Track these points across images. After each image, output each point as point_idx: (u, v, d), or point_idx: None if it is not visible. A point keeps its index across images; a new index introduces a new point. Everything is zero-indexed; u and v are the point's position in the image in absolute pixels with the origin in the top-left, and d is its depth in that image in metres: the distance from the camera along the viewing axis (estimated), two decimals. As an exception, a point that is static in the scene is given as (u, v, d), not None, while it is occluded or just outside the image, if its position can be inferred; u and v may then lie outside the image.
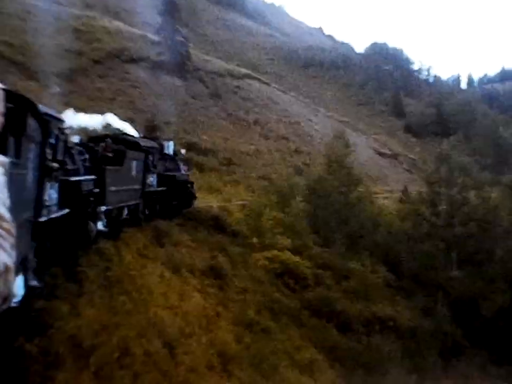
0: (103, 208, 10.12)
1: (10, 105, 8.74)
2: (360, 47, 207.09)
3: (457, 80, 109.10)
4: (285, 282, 17.97)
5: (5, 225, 1.18)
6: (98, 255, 10.48)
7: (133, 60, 44.96)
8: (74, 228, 9.29)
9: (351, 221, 25.12)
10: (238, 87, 53.68)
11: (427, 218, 26.97)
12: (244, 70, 56.46)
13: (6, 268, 1.12)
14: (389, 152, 56.53)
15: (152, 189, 14.21)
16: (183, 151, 18.97)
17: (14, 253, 1.18)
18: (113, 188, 10.76)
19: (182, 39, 50.41)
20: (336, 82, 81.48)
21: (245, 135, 45.92)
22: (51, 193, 10.07)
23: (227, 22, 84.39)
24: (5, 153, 8.53)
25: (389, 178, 47.31)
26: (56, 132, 10.00)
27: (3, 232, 1.15)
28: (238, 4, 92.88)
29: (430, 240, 25.97)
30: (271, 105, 52.25)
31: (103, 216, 10.24)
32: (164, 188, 15.14)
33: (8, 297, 1.16)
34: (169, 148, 16.52)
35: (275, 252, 18.93)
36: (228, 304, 13.44)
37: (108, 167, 10.51)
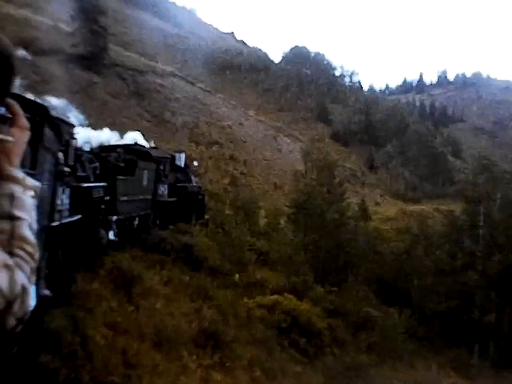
0: (114, 217, 11.20)
1: (27, 115, 9.85)
2: (276, 52, 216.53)
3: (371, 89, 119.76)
4: (294, 341, 14.87)
5: (29, 248, 1.21)
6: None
7: (43, 52, 43.81)
8: (85, 235, 10.25)
9: (351, 246, 23.25)
10: (162, 85, 54.42)
11: (465, 246, 24.06)
12: (168, 68, 57.32)
13: (24, 290, 1.15)
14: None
15: (162, 199, 15.19)
16: (195, 163, 20.01)
17: (33, 278, 1.23)
18: (124, 198, 11.82)
19: (99, 29, 49.90)
20: (256, 87, 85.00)
21: (173, 140, 46.60)
22: (63, 198, 11.06)
23: (140, 22, 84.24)
24: (22, 165, 9.59)
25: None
26: (67, 137, 11.07)
27: (25, 256, 1.19)
28: (150, 6, 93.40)
29: (466, 273, 22.77)
30: (200, 106, 53.64)
31: (114, 226, 11.29)
32: (174, 199, 16.22)
33: (23, 318, 1.18)
34: (181, 159, 17.69)
35: (274, 298, 16.05)
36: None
37: (119, 176, 11.57)
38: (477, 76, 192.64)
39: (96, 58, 48.69)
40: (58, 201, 10.83)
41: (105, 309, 9.93)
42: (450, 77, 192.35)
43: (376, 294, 22.01)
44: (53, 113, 10.66)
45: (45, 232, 9.89)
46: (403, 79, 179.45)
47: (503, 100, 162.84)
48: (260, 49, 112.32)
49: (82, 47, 47.71)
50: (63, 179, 10.84)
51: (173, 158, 17.07)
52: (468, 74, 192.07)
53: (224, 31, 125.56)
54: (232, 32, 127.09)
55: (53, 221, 10.51)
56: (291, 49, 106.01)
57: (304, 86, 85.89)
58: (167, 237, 14.52)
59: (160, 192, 14.75)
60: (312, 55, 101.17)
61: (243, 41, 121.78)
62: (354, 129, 69.63)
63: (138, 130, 18.39)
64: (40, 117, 9.81)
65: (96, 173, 10.84)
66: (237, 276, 16.88)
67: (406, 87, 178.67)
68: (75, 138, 10.52)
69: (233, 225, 20.08)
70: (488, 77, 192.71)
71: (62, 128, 10.99)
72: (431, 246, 26.73)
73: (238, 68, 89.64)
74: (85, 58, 46.89)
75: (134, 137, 15.69)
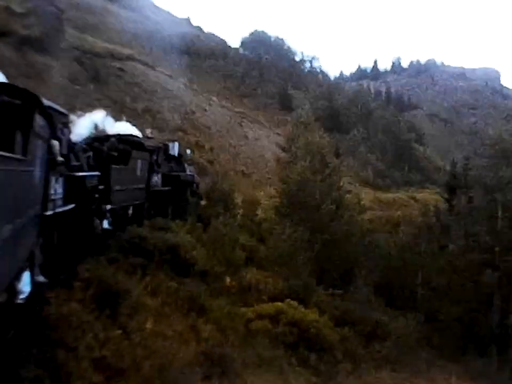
0: (108, 206, 11.43)
1: (18, 101, 9.99)
2: (234, 38, 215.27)
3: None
4: (303, 358, 13.24)
5: None
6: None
7: (-7, 34, 42.02)
8: (79, 224, 10.41)
9: (351, 242, 22.29)
10: (121, 69, 53.44)
11: (481, 240, 22.34)
12: (127, 51, 56.29)
13: None
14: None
15: (156, 188, 15.31)
16: (188, 151, 19.78)
17: None
18: (118, 187, 12.01)
19: (54, 9, 48.38)
20: (215, 73, 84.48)
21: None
22: (56, 188, 11.19)
23: (94, 7, 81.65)
24: (12, 151, 9.71)
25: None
26: (60, 126, 11.17)
27: None
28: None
29: (484, 271, 21.08)
30: (161, 91, 53.13)
31: (108, 215, 11.52)
32: (168, 188, 16.29)
33: None
34: (175, 148, 17.69)
35: (276, 306, 14.41)
36: None
37: (113, 165, 11.74)
38: (431, 62, 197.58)
39: (52, 41, 47.21)
40: (52, 191, 11.01)
41: (89, 340, 8.42)
42: (405, 64, 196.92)
43: (380, 296, 20.72)
44: (45, 101, 10.81)
45: (38, 221, 10.11)
46: (357, 66, 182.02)
47: (457, 86, 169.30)
48: (216, 36, 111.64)
49: (36, 28, 46.12)
50: (56, 168, 11.02)
51: (167, 147, 17.28)
52: (422, 61, 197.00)
53: (180, 17, 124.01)
54: (188, 18, 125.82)
55: (46, 210, 10.72)
56: (250, 34, 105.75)
57: (264, 71, 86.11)
58: (147, 236, 13.12)
59: (153, 181, 15.00)
60: (272, 39, 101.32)
61: (199, 27, 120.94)
62: (317, 116, 70.50)
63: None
64: (30, 104, 9.96)
65: (90, 163, 11.04)
66: (227, 279, 15.46)
67: (360, 74, 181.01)
68: (68, 127, 10.64)
69: (218, 220, 18.30)
70: (442, 64, 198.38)
71: (55, 117, 11.14)
72: (437, 240, 25.24)
73: (196, 54, 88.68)
74: (39, 41, 45.36)
75: (124, 126, 15.79)
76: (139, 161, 13.70)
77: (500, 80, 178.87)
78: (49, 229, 10.88)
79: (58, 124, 11.50)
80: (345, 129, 59.54)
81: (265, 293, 15.93)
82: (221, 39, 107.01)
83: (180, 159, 18.74)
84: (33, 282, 9.86)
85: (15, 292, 8.17)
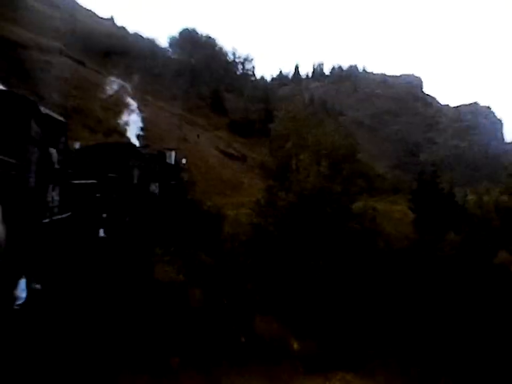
0: (104, 215, 11.68)
1: (14, 108, 10.37)
2: (162, 37, 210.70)
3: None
4: None
5: None
6: None
7: None
8: (76, 232, 10.63)
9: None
10: (49, 63, 51.59)
11: None
12: (56, 44, 54.26)
13: None
14: (236, 154, 57.31)
15: (153, 196, 15.55)
16: (184, 160, 20.09)
17: None
18: (115, 195, 12.25)
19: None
20: (145, 73, 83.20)
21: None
22: (53, 195, 11.42)
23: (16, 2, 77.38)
24: (10, 156, 10.03)
25: (246, 186, 48.99)
26: (57, 133, 11.42)
27: None
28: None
29: None
30: (93, 89, 51.89)
31: (104, 223, 11.76)
32: (165, 196, 16.53)
33: None
34: (171, 157, 18.03)
35: None
36: None
37: (111, 174, 11.98)
38: (353, 69, 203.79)
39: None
40: (49, 198, 11.29)
41: None
42: (326, 69, 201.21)
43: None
44: (42, 109, 11.14)
45: (35, 228, 10.40)
46: (278, 71, 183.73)
47: (379, 93, 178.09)
48: (143, 35, 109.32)
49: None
50: (54, 175, 11.30)
51: (164, 156, 17.69)
52: (344, 67, 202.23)
53: (104, 17, 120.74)
54: (112, 17, 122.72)
55: (44, 217, 10.99)
56: (180, 32, 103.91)
57: (196, 72, 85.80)
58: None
59: (151, 189, 15.33)
60: (203, 39, 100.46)
61: (124, 27, 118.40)
62: (253, 119, 71.30)
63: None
64: (27, 111, 10.36)
65: (88, 170, 11.37)
66: None
67: (281, 79, 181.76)
68: (66, 135, 10.88)
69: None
70: (364, 71, 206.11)
71: (52, 125, 11.45)
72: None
73: (122, 54, 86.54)
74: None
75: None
76: (136, 169, 14.06)
77: (422, 87, 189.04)
78: (46, 236, 11.14)
79: (55, 131, 11.84)
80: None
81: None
82: (149, 38, 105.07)
83: (176, 167, 19.27)
84: (29, 289, 10.17)
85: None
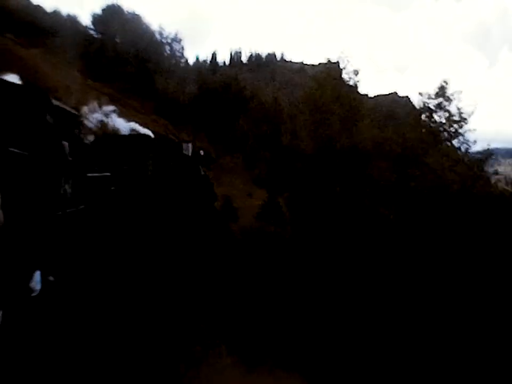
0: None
1: (30, 101, 10.80)
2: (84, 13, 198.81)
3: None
4: None
5: None
6: None
7: None
8: (90, 224, 10.84)
9: None
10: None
11: None
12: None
13: None
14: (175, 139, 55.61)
15: (167, 187, 15.57)
16: (201, 152, 19.71)
17: None
18: (128, 187, 12.43)
19: None
20: (65, 53, 78.88)
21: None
22: (66, 188, 11.61)
23: None
24: (25, 149, 10.38)
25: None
26: (71, 126, 11.64)
27: None
28: None
29: None
30: (15, 60, 49.02)
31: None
32: (180, 186, 16.57)
33: None
34: (188, 149, 17.84)
35: None
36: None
37: (125, 166, 12.17)
38: (271, 57, 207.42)
39: None
40: (62, 191, 11.54)
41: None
42: (244, 57, 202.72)
43: None
44: (55, 102, 11.43)
45: (48, 221, 10.73)
46: (195, 57, 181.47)
47: (297, 82, 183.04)
48: (62, 12, 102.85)
49: None
50: (67, 168, 11.54)
51: (181, 148, 17.79)
52: (263, 55, 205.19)
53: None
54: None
55: (57, 210, 11.27)
56: (103, 9, 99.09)
57: (120, 52, 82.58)
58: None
59: (164, 180, 15.48)
60: (128, 15, 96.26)
61: (39, 6, 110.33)
62: (185, 103, 69.87)
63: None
64: (41, 104, 10.77)
65: (101, 162, 11.68)
66: None
67: (198, 66, 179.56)
68: (79, 129, 11.05)
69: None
70: (283, 59, 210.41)
71: (66, 118, 11.71)
72: None
73: (41, 31, 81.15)
74: None
75: (132, 126, 15.94)
76: (151, 161, 14.27)
77: (341, 76, 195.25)
78: (60, 229, 11.50)
79: (69, 124, 12.16)
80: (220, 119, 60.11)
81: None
82: (69, 15, 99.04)
83: (192, 159, 19.42)
84: (44, 281, 10.54)
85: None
